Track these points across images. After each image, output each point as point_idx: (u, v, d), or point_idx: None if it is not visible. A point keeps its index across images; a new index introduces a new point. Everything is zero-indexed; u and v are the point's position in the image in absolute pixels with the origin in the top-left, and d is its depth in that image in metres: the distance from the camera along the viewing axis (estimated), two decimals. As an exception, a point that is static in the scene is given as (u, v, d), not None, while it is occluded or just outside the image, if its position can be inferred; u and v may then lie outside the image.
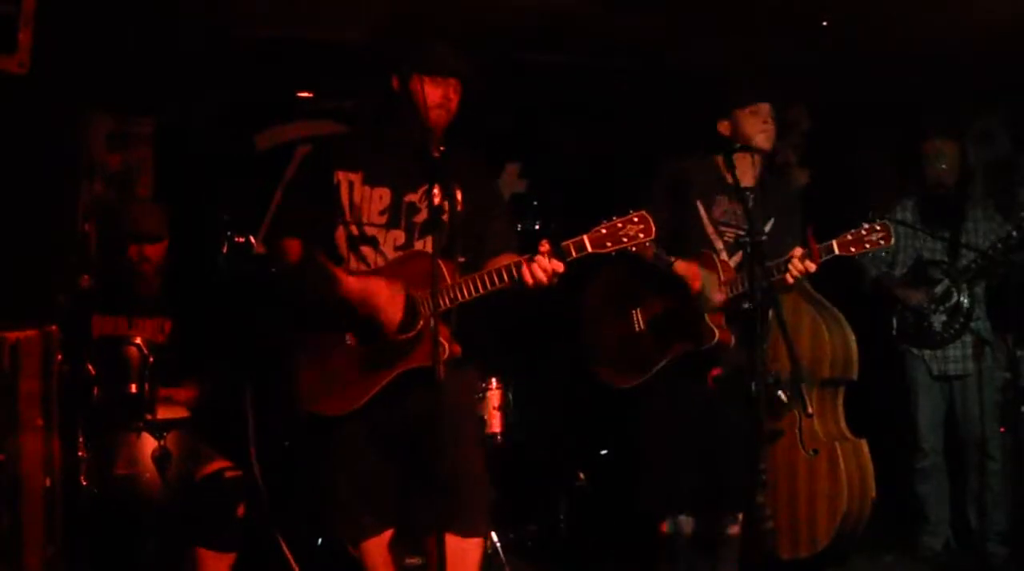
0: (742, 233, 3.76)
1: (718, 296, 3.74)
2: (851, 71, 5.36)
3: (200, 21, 4.66)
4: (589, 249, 3.02)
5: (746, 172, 3.88)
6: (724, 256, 3.85)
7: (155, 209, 4.22)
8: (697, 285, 3.73)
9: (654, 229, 3.04)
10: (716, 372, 3.89)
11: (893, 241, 3.58)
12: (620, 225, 3.03)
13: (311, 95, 5.36)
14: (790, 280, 3.61)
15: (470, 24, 4.64)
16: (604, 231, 3.03)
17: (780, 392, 4.26)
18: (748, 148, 3.83)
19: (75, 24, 4.10)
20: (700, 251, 3.84)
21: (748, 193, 3.81)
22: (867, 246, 3.57)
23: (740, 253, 3.85)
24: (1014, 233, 4.55)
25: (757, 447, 4.13)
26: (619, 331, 3.95)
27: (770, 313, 3.56)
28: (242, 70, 4.99)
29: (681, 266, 3.74)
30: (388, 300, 3.04)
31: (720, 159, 3.88)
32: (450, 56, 3.16)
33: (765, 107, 3.89)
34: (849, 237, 3.57)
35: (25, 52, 3.33)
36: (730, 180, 3.79)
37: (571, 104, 5.51)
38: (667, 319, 3.86)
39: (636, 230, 3.02)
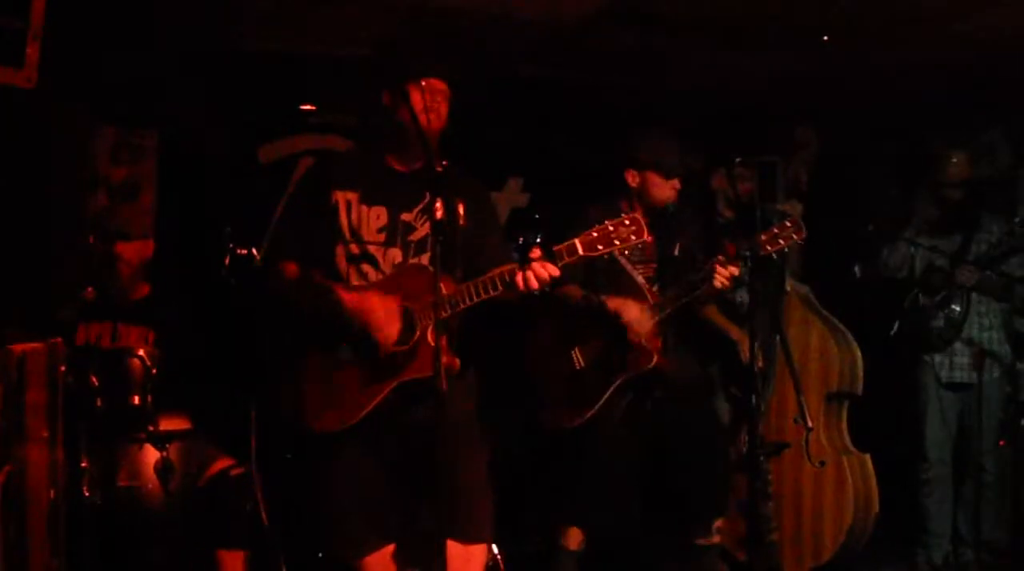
0: (654, 264, 4.07)
1: (647, 323, 3.90)
2: (852, 86, 5.38)
3: (204, 35, 4.68)
4: (580, 252, 3.02)
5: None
6: (649, 288, 4.01)
7: (138, 209, 4.24)
8: (627, 315, 3.90)
9: (646, 231, 3.04)
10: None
11: (805, 234, 3.65)
12: (611, 228, 3.01)
13: (313, 109, 5.38)
14: (719, 285, 3.75)
15: (472, 39, 4.68)
16: (595, 234, 3.02)
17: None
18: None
19: (81, 38, 4.12)
20: (628, 285, 4.01)
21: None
22: (782, 242, 3.66)
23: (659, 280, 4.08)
24: (1005, 237, 4.57)
25: (722, 462, 4.25)
26: (562, 372, 4.08)
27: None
28: (246, 84, 5.01)
29: (612, 302, 3.93)
30: (384, 318, 3.06)
31: (624, 204, 4.06)
32: (433, 59, 3.18)
33: (668, 179, 4.04)
34: (764, 237, 3.67)
35: (32, 67, 3.35)
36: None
37: (573, 118, 5.53)
38: (605, 353, 4.00)
39: (628, 232, 3.01)
